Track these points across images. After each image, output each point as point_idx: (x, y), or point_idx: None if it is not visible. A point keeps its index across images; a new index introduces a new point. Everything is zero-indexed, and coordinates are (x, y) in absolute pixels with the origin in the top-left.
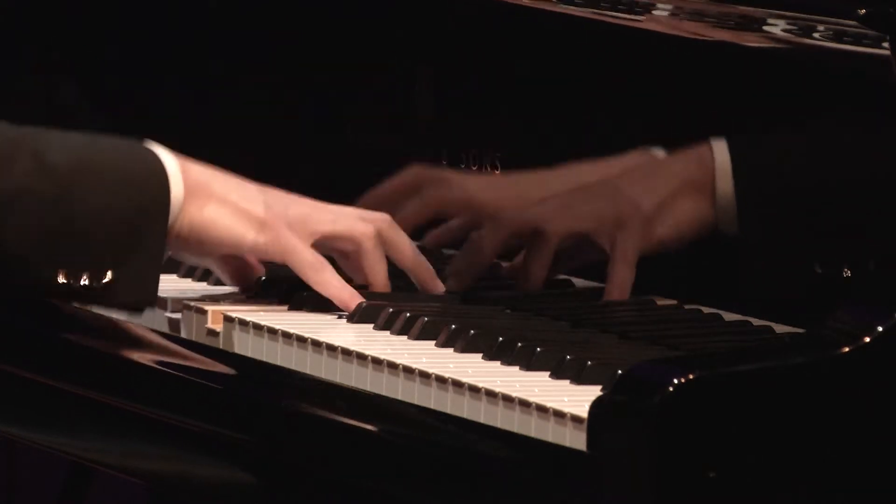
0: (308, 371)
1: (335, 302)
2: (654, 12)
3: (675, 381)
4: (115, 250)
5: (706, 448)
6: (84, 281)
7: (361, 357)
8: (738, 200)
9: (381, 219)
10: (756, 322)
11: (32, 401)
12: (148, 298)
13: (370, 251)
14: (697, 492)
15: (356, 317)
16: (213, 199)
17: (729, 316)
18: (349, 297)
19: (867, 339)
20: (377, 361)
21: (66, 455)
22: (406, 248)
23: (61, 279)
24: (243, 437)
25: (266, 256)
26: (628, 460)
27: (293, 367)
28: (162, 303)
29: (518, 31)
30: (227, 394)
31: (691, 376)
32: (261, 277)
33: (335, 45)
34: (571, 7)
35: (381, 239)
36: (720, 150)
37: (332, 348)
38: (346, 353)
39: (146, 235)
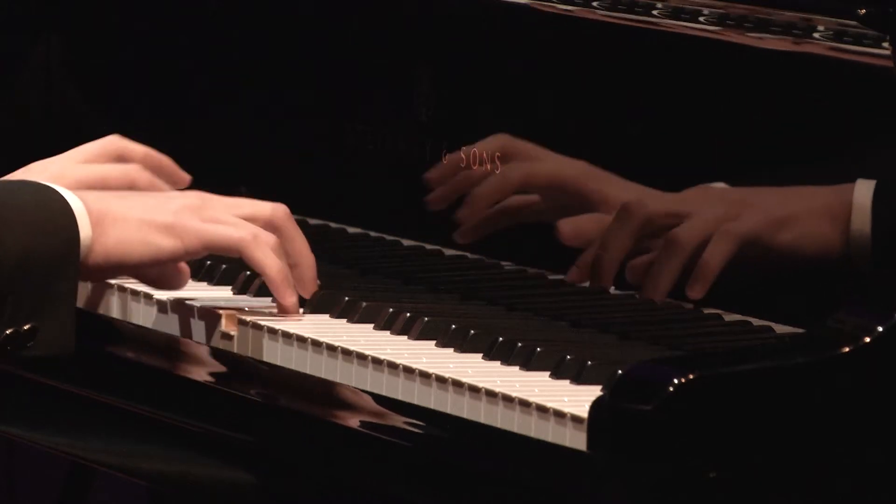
0: (308, 371)
1: (269, 286)
2: (653, 12)
3: (675, 381)
4: (34, 303)
5: (706, 448)
6: (7, 340)
7: (362, 357)
8: (874, 240)
9: (274, 209)
10: (756, 322)
11: (32, 401)
12: (68, 346)
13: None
14: (697, 492)
15: (357, 316)
16: (117, 221)
17: (729, 316)
18: (284, 282)
19: (867, 339)
20: (377, 361)
21: (66, 455)
22: (299, 241)
23: None
24: (243, 438)
25: (191, 255)
26: (628, 460)
27: (293, 366)
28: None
29: (518, 31)
30: (226, 394)
31: (691, 376)
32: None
33: (335, 45)
34: (572, 7)
35: (278, 230)
36: (861, 190)
37: (331, 348)
38: (346, 353)
39: (60, 283)
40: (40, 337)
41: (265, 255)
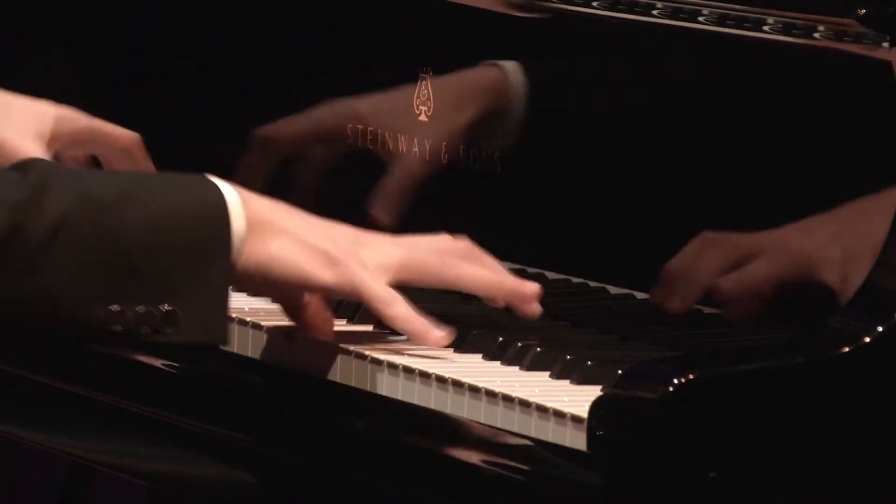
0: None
1: (410, 337)
2: (653, 12)
3: (675, 381)
4: (172, 284)
5: (706, 448)
6: (141, 319)
7: (361, 357)
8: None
9: (458, 249)
10: (756, 322)
11: (32, 401)
12: (216, 335)
13: (453, 279)
14: (697, 492)
15: (357, 318)
16: (278, 234)
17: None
18: (422, 329)
19: (867, 339)
20: (377, 362)
21: (66, 455)
22: (485, 276)
23: (114, 317)
24: (244, 438)
25: (335, 294)
26: (628, 460)
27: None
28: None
29: (518, 32)
30: (226, 393)
31: (691, 376)
32: None
33: (336, 47)
34: (571, 6)
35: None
36: None
37: (331, 348)
38: (346, 352)
39: (207, 269)
40: (183, 322)
41: (399, 315)
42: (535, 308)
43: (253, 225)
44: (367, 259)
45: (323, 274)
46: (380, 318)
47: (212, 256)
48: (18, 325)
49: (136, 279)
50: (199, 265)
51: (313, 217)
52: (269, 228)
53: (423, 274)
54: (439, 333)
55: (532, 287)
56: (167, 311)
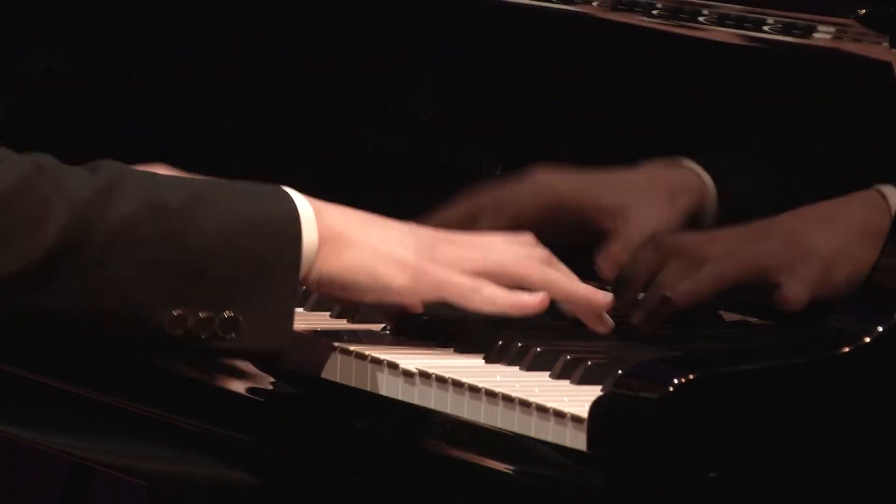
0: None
1: (511, 312)
2: (653, 12)
3: (675, 381)
4: (238, 292)
5: (706, 448)
6: (203, 325)
7: (361, 357)
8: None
9: (534, 253)
10: (756, 322)
11: (32, 401)
12: (280, 344)
13: (535, 281)
14: (697, 492)
15: (357, 317)
16: (351, 245)
17: (729, 316)
18: (518, 303)
19: (867, 339)
20: (377, 362)
21: (66, 455)
22: (562, 281)
23: (175, 322)
24: (244, 438)
25: (417, 299)
26: (628, 460)
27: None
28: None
29: (518, 32)
30: (226, 393)
31: (691, 376)
32: None
33: (337, 46)
34: (572, 6)
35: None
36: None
37: (331, 348)
38: (346, 352)
39: (275, 280)
40: (246, 329)
41: (495, 297)
42: (606, 322)
43: (325, 238)
44: (443, 260)
45: (399, 279)
46: (473, 308)
47: (280, 268)
48: (79, 326)
49: (201, 284)
50: (267, 275)
51: (388, 223)
52: (343, 241)
53: (499, 275)
54: (533, 300)
55: (604, 297)
56: (229, 317)
